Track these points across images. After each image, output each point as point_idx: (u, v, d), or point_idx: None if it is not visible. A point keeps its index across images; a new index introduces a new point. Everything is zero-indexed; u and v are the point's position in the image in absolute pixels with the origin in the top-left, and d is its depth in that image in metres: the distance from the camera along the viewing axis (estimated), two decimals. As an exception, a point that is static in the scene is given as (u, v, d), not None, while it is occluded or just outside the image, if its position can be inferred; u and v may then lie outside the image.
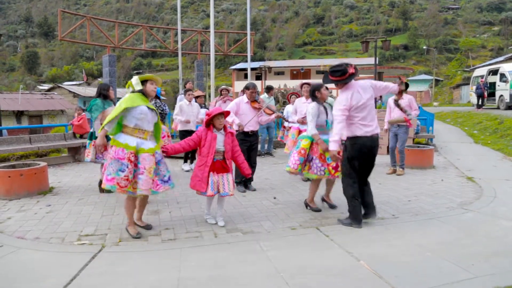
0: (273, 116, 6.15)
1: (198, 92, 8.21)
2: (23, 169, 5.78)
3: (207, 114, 4.32)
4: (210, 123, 4.30)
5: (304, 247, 3.69)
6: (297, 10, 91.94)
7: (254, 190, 6.08)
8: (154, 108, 4.03)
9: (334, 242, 3.79)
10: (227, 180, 4.34)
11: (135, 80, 3.97)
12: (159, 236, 4.08)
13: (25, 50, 79.55)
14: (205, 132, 4.28)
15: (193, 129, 7.37)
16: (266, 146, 9.79)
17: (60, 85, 40.98)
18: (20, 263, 3.41)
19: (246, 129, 6.00)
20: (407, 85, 7.52)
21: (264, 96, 9.34)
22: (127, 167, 3.73)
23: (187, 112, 7.48)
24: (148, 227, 4.27)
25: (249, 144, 6.09)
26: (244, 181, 6.15)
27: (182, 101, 7.61)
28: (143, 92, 3.97)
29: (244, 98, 6.06)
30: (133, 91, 3.97)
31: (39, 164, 6.06)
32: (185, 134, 7.35)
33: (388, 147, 7.89)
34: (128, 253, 3.64)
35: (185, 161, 7.84)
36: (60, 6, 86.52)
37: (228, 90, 8.55)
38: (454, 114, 17.65)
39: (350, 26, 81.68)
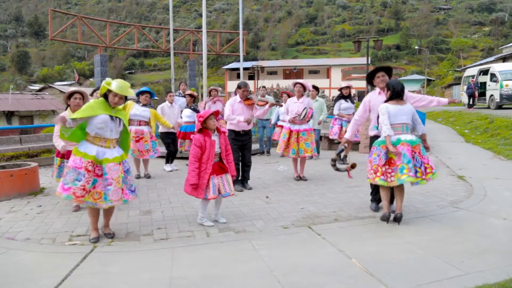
0: (267, 106, 6.14)
1: (190, 91, 8.28)
2: (13, 169, 5.72)
3: (200, 117, 4.29)
4: (203, 126, 4.28)
5: (296, 246, 3.71)
6: (289, 9, 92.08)
7: (250, 188, 6.09)
8: (121, 116, 3.87)
9: (326, 241, 3.80)
10: (227, 180, 4.37)
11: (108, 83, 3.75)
12: (151, 235, 4.07)
13: (16, 50, 78.56)
14: (203, 138, 4.24)
15: (174, 131, 7.52)
16: (265, 145, 9.79)
17: (51, 85, 40.53)
18: (10, 264, 3.38)
19: (237, 129, 6.01)
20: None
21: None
22: (84, 176, 3.59)
23: (168, 114, 7.52)
24: (110, 235, 4.00)
25: (241, 144, 6.09)
26: (241, 180, 6.17)
27: (164, 103, 7.70)
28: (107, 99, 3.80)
29: (237, 98, 6.10)
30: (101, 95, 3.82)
31: (29, 165, 6.01)
32: (166, 135, 7.52)
33: None
34: (120, 253, 3.63)
35: (167, 162, 7.84)
36: (51, 5, 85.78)
37: (217, 90, 8.54)
38: (446, 114, 17.81)
39: (343, 26, 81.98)
